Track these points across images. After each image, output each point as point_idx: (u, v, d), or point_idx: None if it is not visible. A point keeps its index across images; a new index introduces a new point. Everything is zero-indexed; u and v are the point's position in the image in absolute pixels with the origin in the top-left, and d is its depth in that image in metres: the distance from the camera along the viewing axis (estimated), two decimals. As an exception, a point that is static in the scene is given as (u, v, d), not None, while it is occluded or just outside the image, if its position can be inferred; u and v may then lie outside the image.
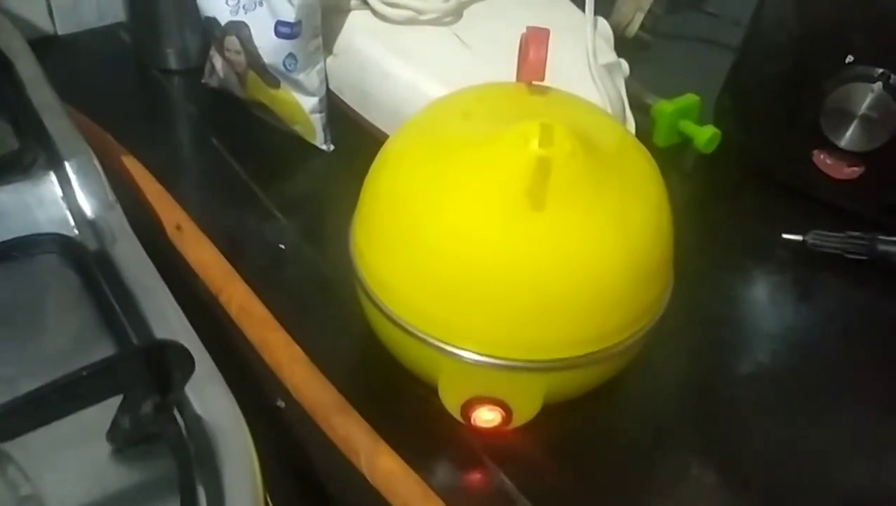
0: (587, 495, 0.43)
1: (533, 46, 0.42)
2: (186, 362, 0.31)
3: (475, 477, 0.43)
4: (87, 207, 0.41)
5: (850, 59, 0.55)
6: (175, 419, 0.32)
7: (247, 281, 0.47)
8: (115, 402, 0.31)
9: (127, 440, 0.32)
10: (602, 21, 0.63)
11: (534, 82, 0.43)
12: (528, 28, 0.43)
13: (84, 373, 0.29)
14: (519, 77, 0.46)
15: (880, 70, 0.53)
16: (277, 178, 0.60)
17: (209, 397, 0.33)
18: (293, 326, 0.44)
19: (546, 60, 0.42)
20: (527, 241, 0.37)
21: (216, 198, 0.59)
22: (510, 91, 0.44)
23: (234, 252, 0.52)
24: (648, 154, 0.43)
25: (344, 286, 0.46)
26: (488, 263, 0.38)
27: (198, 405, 0.33)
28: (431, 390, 0.43)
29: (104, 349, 0.36)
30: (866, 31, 0.54)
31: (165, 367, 0.31)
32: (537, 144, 0.36)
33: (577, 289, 0.38)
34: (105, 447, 0.32)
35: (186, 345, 0.34)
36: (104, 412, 0.31)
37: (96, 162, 0.41)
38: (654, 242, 0.41)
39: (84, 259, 0.39)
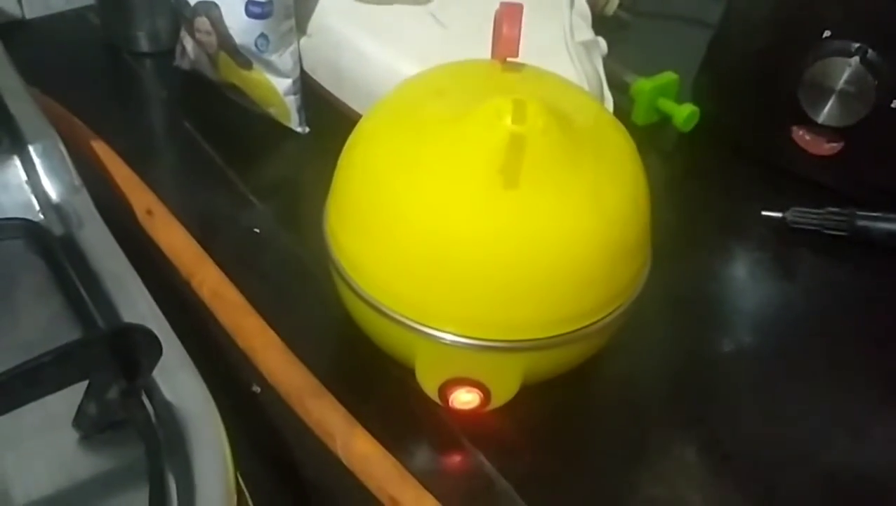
0: (567, 475, 0.42)
1: (506, 22, 0.41)
2: (153, 347, 0.30)
3: (453, 459, 0.43)
4: (53, 191, 0.40)
5: (827, 33, 0.54)
6: (143, 405, 0.31)
7: (221, 266, 0.46)
8: (81, 388, 0.31)
9: (94, 427, 0.31)
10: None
11: (508, 59, 0.42)
12: (501, 4, 0.42)
13: (45, 359, 0.28)
14: (493, 54, 0.45)
15: (857, 44, 0.53)
16: (252, 161, 0.59)
17: (179, 382, 0.33)
18: (268, 311, 0.43)
19: (520, 36, 0.41)
20: (501, 219, 0.37)
21: (189, 182, 0.58)
22: (484, 68, 0.43)
23: (207, 237, 0.51)
24: (625, 131, 0.43)
25: (320, 269, 0.45)
26: (462, 242, 0.37)
27: (167, 391, 0.32)
28: (409, 372, 0.42)
29: (72, 337, 0.35)
30: (842, 5, 0.54)
31: (132, 351, 0.30)
32: (510, 121, 0.36)
33: (552, 267, 0.38)
34: (72, 434, 0.31)
35: (155, 330, 0.33)
36: (70, 399, 0.31)
37: (61, 145, 0.40)
38: (631, 220, 0.40)
39: (50, 245, 0.38)
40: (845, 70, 0.53)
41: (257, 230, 0.54)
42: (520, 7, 0.41)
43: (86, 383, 0.30)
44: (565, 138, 0.37)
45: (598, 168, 0.39)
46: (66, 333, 0.35)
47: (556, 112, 0.37)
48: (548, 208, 0.37)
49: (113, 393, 0.31)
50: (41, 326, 0.36)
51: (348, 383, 0.45)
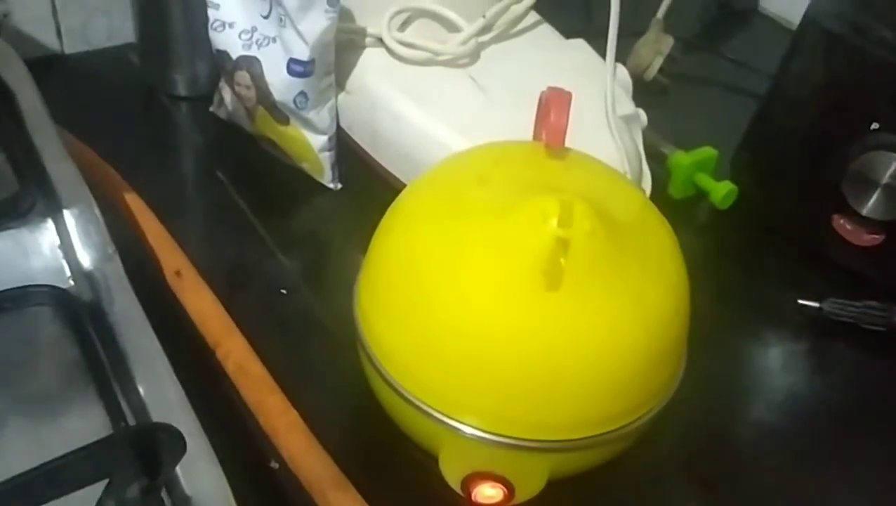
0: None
1: (554, 110, 0.40)
2: (177, 446, 0.29)
3: (474, 554, 0.42)
4: (85, 257, 0.39)
5: (875, 126, 0.53)
6: (162, 502, 0.30)
7: (245, 327, 0.45)
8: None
9: (112, 524, 0.30)
10: (622, 69, 0.61)
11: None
12: (549, 89, 0.42)
13: (69, 458, 0.27)
14: (536, 136, 0.44)
15: (906, 140, 0.52)
16: (282, 215, 0.59)
17: (199, 475, 0.32)
18: (291, 380, 0.43)
19: (567, 126, 0.40)
20: (539, 321, 0.36)
21: (219, 234, 0.57)
22: (528, 153, 0.42)
23: (233, 295, 0.50)
24: (668, 225, 0.42)
25: (345, 337, 0.44)
26: (498, 340, 0.36)
27: (187, 485, 0.32)
28: (433, 458, 0.41)
29: (94, 413, 0.35)
30: (893, 98, 0.52)
31: (155, 449, 0.29)
32: (556, 223, 0.35)
33: (588, 371, 0.37)
34: (88, 530, 0.30)
35: (181, 420, 0.32)
36: (90, 493, 0.30)
37: (97, 211, 0.40)
38: (672, 322, 0.39)
39: (78, 314, 0.37)
40: (892, 164, 0.52)
41: (284, 291, 0.53)
42: (569, 96, 0.40)
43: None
44: (611, 240, 0.36)
45: (642, 269, 0.38)
46: (85, 408, 0.34)
47: (602, 213, 0.36)
48: (589, 311, 0.36)
49: (133, 491, 0.30)
50: (62, 399, 0.36)
51: (370, 464, 0.44)
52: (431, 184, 0.42)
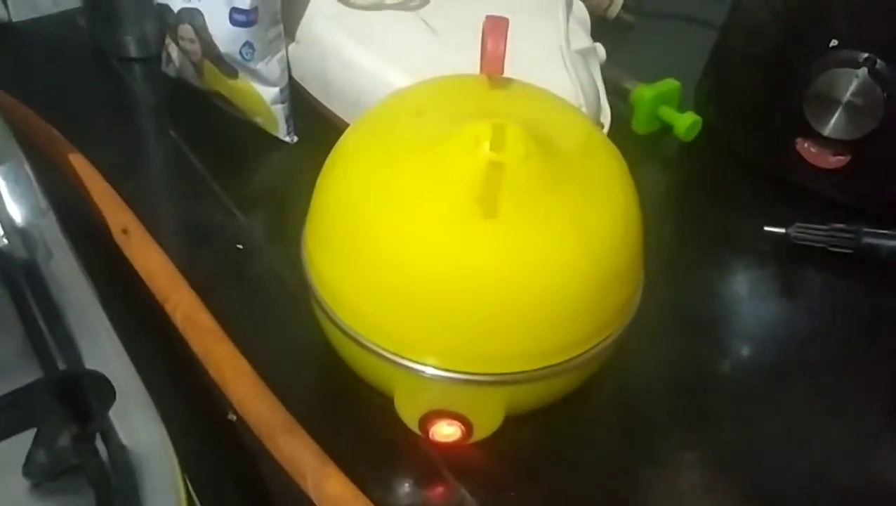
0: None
1: (491, 38, 0.39)
2: (105, 391, 0.29)
3: (434, 493, 0.41)
4: (17, 214, 0.38)
5: (834, 43, 0.52)
6: (96, 451, 0.30)
7: (200, 284, 0.44)
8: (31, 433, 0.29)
9: (44, 475, 0.30)
10: (578, 4, 0.60)
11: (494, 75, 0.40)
12: (487, 17, 0.40)
13: (-11, 408, 0.27)
14: (481, 69, 0.43)
15: (865, 55, 0.50)
16: (237, 172, 0.58)
17: (136, 424, 0.31)
18: (245, 335, 0.42)
19: (504, 52, 0.39)
20: (480, 250, 0.35)
21: (173, 194, 0.57)
22: (469, 85, 0.41)
23: (187, 253, 0.50)
24: (616, 151, 0.41)
25: (302, 290, 0.43)
26: (441, 273, 0.35)
27: (124, 434, 0.31)
28: (389, 400, 0.41)
29: (32, 372, 0.34)
30: (851, 14, 0.51)
31: (83, 396, 0.29)
32: (488, 148, 0.34)
33: (535, 299, 0.36)
34: (22, 483, 0.30)
35: (116, 368, 0.32)
36: (20, 445, 0.29)
37: (27, 167, 0.39)
38: (620, 247, 0.38)
39: (11, 272, 0.36)
40: (853, 81, 0.51)
41: (240, 246, 0.52)
42: (505, 22, 0.39)
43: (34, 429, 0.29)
44: (548, 164, 0.35)
45: (585, 194, 0.37)
46: (21, 368, 0.33)
47: (538, 136, 0.35)
48: (529, 237, 0.35)
49: (64, 440, 0.29)
50: (2, 359, 0.35)
51: (326, 410, 0.44)
52: (370, 121, 0.41)
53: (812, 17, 0.53)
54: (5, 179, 0.38)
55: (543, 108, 0.41)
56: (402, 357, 0.38)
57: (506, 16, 0.39)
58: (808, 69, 0.53)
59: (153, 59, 0.64)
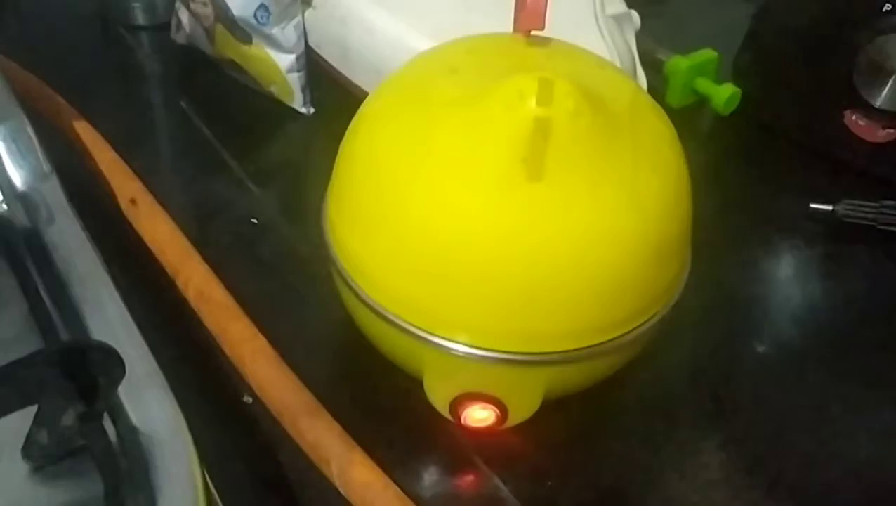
0: (593, 501, 0.38)
1: (531, -10, 0.36)
2: (114, 366, 0.26)
3: (466, 482, 0.39)
4: (18, 178, 0.36)
5: (887, 7, 0.49)
6: (103, 431, 0.27)
7: (212, 261, 0.42)
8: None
9: (46, 457, 0.27)
10: (611, -32, 0.57)
11: (532, 33, 0.37)
12: (525, -30, 0.38)
13: (-18, 382, 0.24)
14: (516, 27, 0.40)
15: (923, 19, 0.47)
16: (251, 144, 0.55)
17: (148, 403, 0.29)
18: (262, 313, 0.39)
19: (546, 7, 0.36)
20: (523, 216, 0.32)
21: (183, 166, 0.54)
22: (505, 43, 0.38)
23: (200, 227, 0.48)
24: (665, 115, 0.38)
25: (321, 266, 0.41)
26: (478, 242, 0.32)
27: (134, 413, 0.28)
28: (417, 383, 0.38)
29: (33, 343, 0.31)
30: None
31: (90, 371, 0.26)
32: (534, 103, 0.31)
33: (581, 272, 0.33)
34: (22, 465, 0.27)
35: (124, 341, 0.29)
36: (19, 423, 0.27)
37: (29, 128, 0.36)
38: (672, 217, 0.35)
39: (11, 239, 0.33)
40: (908, 48, 0.48)
41: (255, 220, 0.49)
42: (546, -26, 0.36)
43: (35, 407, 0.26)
44: (598, 123, 0.32)
45: (636, 157, 0.34)
46: (22, 341, 0.30)
47: (587, 93, 0.32)
48: (577, 203, 0.32)
49: (68, 418, 0.26)
50: (2, 334, 0.32)
51: (350, 394, 0.41)
52: (398, 81, 0.38)
53: (863, -20, 0.50)
54: (4, 140, 0.36)
55: (586, 66, 0.38)
56: (433, 334, 0.35)
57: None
58: (858, 35, 0.50)
59: (161, 27, 0.61)
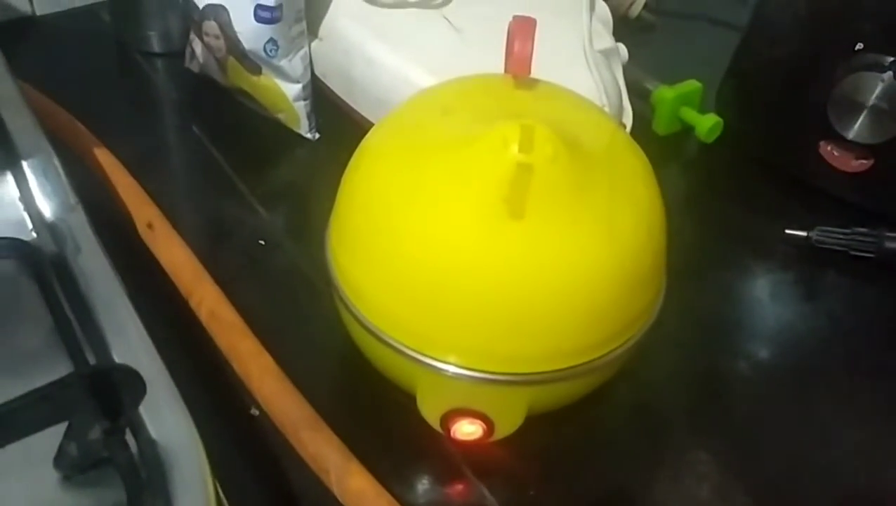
0: (574, 510, 0.41)
1: (518, 39, 0.39)
2: (136, 386, 0.29)
3: (455, 490, 0.41)
4: (47, 208, 0.39)
5: (859, 46, 0.52)
6: (126, 445, 0.30)
7: (223, 280, 0.45)
8: (62, 425, 0.30)
9: (75, 467, 0.30)
10: (601, 4, 0.60)
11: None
12: (514, 18, 0.41)
13: (22, 401, 0.27)
14: (506, 70, 0.43)
15: (891, 59, 0.50)
16: (260, 168, 0.58)
17: (165, 418, 0.32)
18: (268, 330, 0.42)
19: (532, 54, 0.39)
20: (505, 250, 0.35)
21: (195, 189, 0.57)
22: (495, 84, 0.41)
23: (210, 248, 0.50)
24: (641, 153, 0.41)
25: (324, 286, 0.44)
26: (466, 273, 0.36)
27: (153, 428, 0.31)
28: (411, 398, 0.41)
29: (60, 364, 0.34)
30: (877, 17, 0.51)
31: (113, 391, 0.29)
32: (517, 149, 0.34)
33: (559, 299, 0.36)
34: (53, 474, 0.30)
35: (144, 362, 0.32)
36: (51, 437, 0.30)
37: (56, 161, 0.39)
38: (645, 248, 0.38)
39: (41, 266, 0.37)
40: (878, 85, 0.51)
41: (262, 242, 0.52)
42: (532, 22, 0.39)
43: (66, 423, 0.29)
44: (575, 166, 0.35)
45: (612, 195, 0.37)
46: (50, 360, 0.34)
47: (566, 138, 0.35)
48: (555, 238, 0.35)
49: (95, 433, 0.30)
50: (25, 351, 0.35)
51: (348, 407, 0.44)
52: (396, 120, 0.41)
53: (838, 21, 0.53)
54: (34, 173, 0.39)
55: (569, 108, 0.41)
56: (425, 355, 0.38)
57: (530, 15, 0.39)
58: (832, 72, 0.53)
59: (176, 54, 0.64)
